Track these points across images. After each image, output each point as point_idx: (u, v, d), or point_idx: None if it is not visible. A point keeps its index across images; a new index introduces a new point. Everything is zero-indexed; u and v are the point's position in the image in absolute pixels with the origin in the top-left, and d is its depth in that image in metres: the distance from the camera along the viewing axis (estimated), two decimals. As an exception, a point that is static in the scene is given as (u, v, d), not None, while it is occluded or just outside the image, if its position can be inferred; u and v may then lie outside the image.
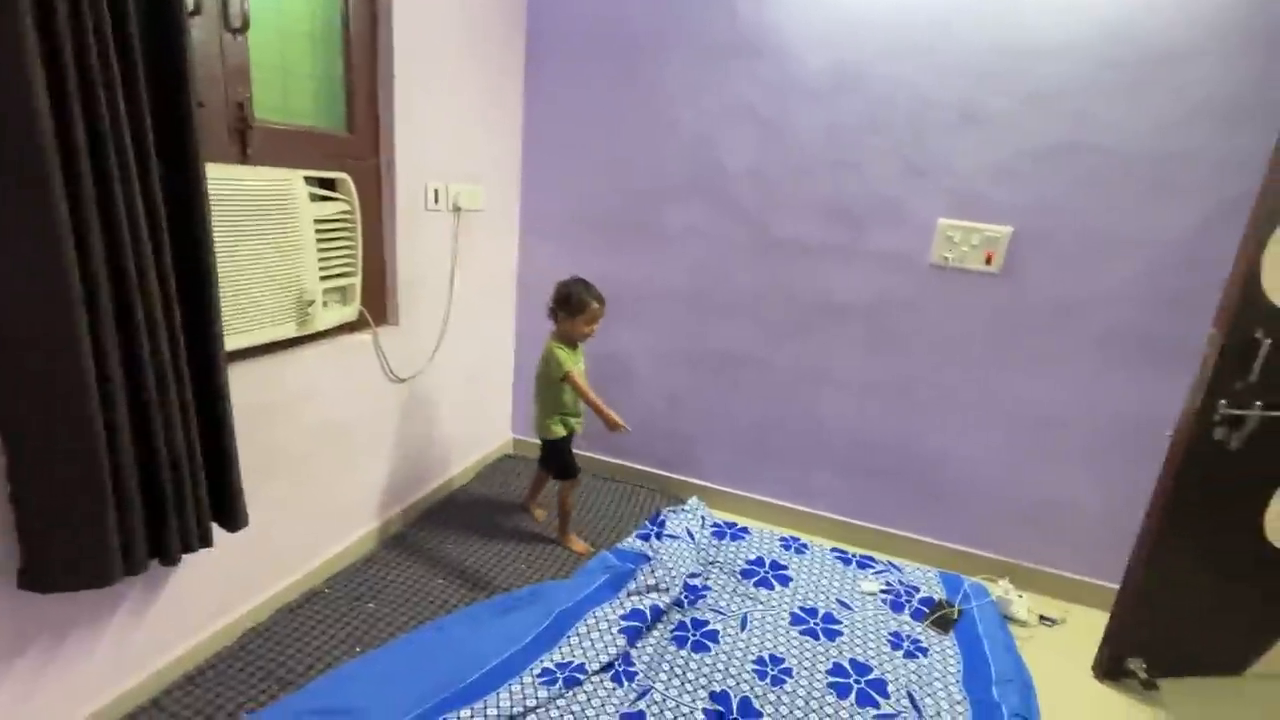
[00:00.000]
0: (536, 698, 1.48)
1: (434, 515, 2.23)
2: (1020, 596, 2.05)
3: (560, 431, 2.05)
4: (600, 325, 2.02)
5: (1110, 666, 1.77)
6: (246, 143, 1.45)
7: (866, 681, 1.63)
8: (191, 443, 1.25)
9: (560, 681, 1.53)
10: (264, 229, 1.45)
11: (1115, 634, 1.76)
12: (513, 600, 1.85)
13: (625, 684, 1.58)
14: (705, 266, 2.34)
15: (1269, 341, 1.50)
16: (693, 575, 2.01)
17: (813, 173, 2.13)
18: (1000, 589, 2.06)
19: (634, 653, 1.68)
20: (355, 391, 1.88)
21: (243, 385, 1.47)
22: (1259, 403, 1.55)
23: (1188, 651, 1.80)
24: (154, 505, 1.21)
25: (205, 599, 1.54)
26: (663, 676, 1.59)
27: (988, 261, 1.99)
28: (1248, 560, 1.71)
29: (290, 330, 1.60)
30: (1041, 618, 2.02)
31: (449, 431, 2.38)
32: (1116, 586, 2.04)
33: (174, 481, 1.22)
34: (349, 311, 1.79)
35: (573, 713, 1.47)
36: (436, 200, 2.06)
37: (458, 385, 2.37)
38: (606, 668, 1.61)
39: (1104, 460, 2.03)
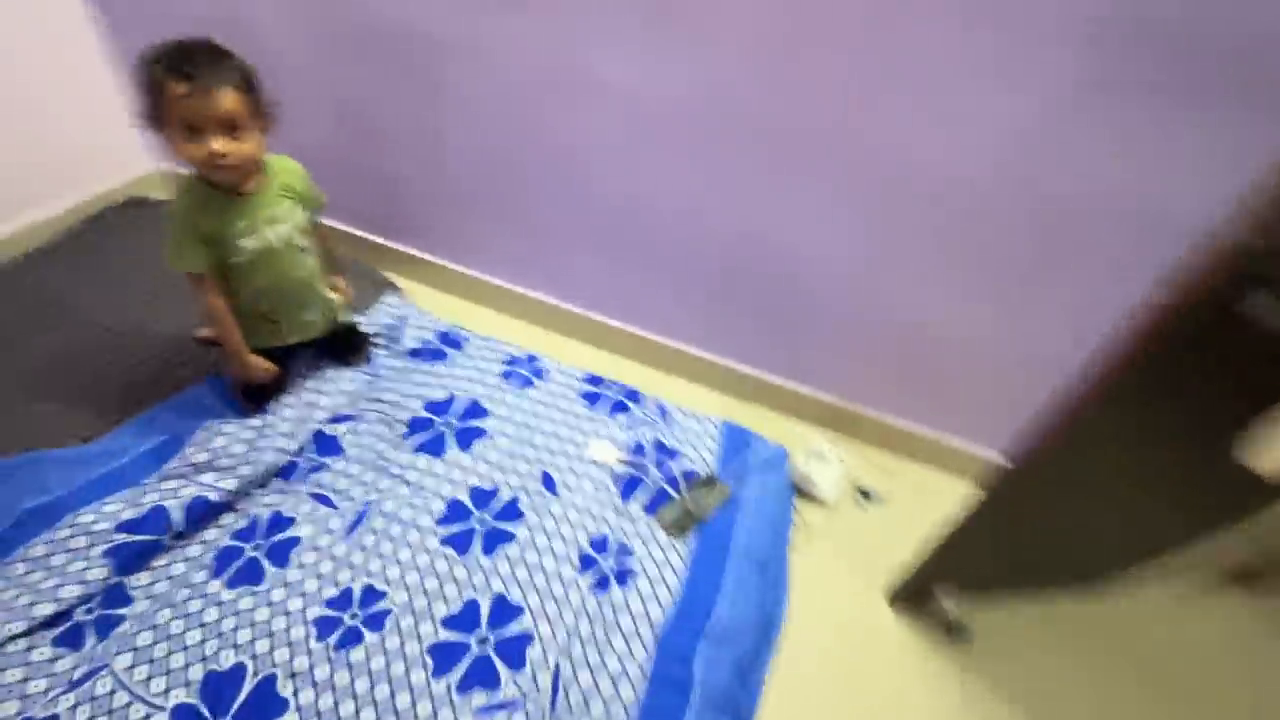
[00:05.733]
0: None
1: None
2: (841, 461, 1.37)
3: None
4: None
5: (914, 593, 1.17)
6: None
7: (498, 642, 1.00)
8: None
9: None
10: None
11: (946, 552, 1.10)
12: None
13: (81, 649, 0.93)
14: None
15: None
16: (334, 422, 1.26)
17: None
18: (808, 452, 1.37)
19: (132, 586, 1.01)
20: None
21: None
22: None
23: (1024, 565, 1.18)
24: None
25: None
26: (143, 639, 0.94)
27: None
28: (1188, 471, 0.96)
29: None
30: (860, 491, 1.37)
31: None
32: (971, 449, 1.35)
33: None
34: None
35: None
36: None
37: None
38: (49, 622, 0.95)
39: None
